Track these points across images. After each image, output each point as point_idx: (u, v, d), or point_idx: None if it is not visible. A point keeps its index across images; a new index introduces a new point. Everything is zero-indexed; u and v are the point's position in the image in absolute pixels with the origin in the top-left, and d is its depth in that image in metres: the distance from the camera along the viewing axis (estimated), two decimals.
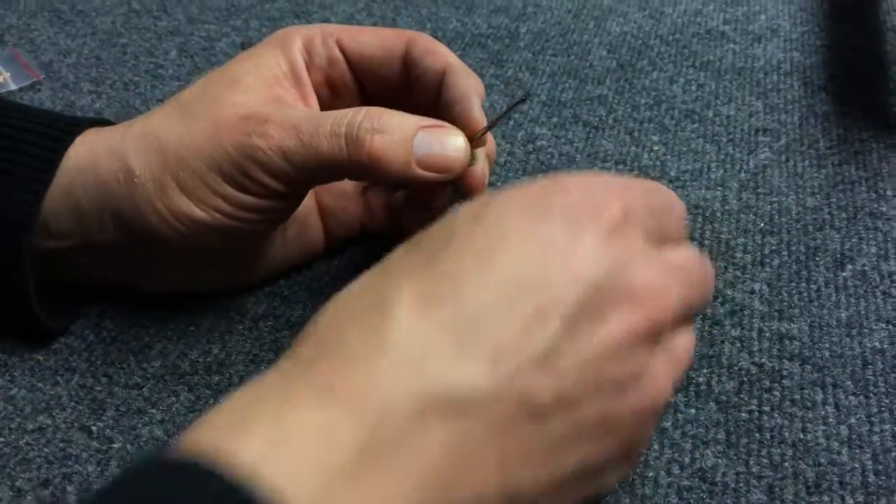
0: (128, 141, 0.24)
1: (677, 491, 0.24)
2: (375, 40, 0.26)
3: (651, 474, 0.24)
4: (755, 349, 0.27)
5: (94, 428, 0.25)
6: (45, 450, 0.24)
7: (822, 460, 0.24)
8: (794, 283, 0.29)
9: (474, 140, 0.25)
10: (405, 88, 0.27)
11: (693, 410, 0.25)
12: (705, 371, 0.27)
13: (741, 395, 0.26)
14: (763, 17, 0.44)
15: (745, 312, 0.28)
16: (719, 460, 0.24)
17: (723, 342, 0.27)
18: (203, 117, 0.24)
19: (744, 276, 0.29)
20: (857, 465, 0.24)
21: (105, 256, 0.26)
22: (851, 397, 0.26)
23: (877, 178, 0.33)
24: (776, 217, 0.32)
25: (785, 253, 0.30)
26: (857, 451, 0.24)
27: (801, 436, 0.25)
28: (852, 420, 0.25)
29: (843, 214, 0.32)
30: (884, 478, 0.24)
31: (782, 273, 0.30)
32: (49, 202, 0.24)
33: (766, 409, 0.25)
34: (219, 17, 0.44)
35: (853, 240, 0.31)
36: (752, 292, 0.29)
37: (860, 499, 0.23)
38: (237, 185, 0.24)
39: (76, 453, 0.24)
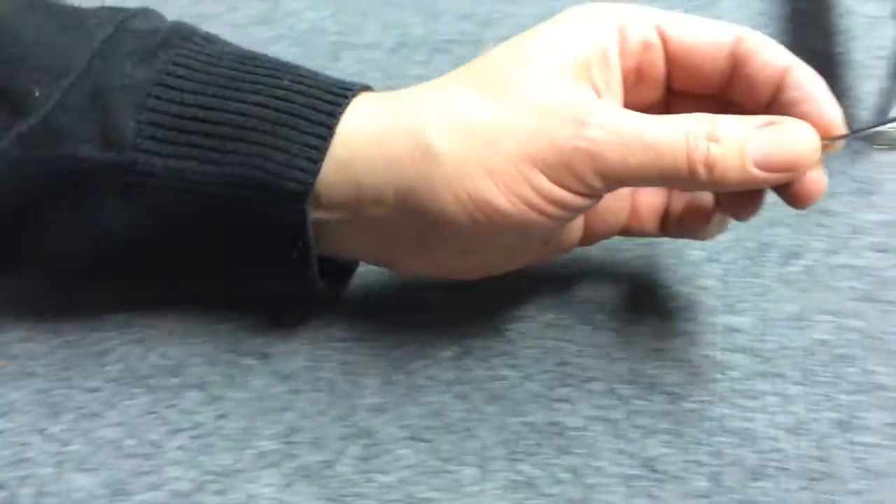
0: (425, 115, 0.23)
1: (623, 480, 0.24)
2: (703, 29, 0.24)
3: (598, 464, 0.25)
4: (704, 342, 0.28)
5: (50, 431, 0.25)
6: (1, 453, 0.25)
7: (765, 447, 0.25)
8: (744, 279, 0.30)
9: (828, 143, 0.23)
10: (722, 84, 0.24)
11: (642, 402, 0.26)
12: (656, 364, 0.27)
13: (689, 387, 0.26)
14: (725, 21, 0.44)
15: (696, 307, 0.29)
16: (665, 449, 0.25)
17: (673, 337, 0.28)
18: (518, 97, 0.22)
19: (696, 273, 0.30)
20: (799, 452, 0.25)
21: (370, 233, 0.25)
22: (795, 387, 0.26)
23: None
24: None
25: (737, 249, 0.31)
26: (800, 438, 0.25)
27: (745, 425, 0.25)
28: (795, 408, 0.26)
29: (794, 211, 0.33)
30: (825, 463, 0.24)
31: (733, 269, 0.30)
32: (325, 172, 0.23)
33: (713, 399, 0.26)
34: None
35: (803, 236, 0.32)
36: (704, 288, 0.30)
37: (802, 484, 0.24)
38: (555, 179, 0.22)
39: (32, 456, 0.24)
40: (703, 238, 0.28)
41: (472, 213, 0.23)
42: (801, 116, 0.23)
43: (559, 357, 0.27)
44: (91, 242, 0.25)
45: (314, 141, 0.23)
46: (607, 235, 0.28)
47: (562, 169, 0.22)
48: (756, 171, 0.22)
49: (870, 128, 0.23)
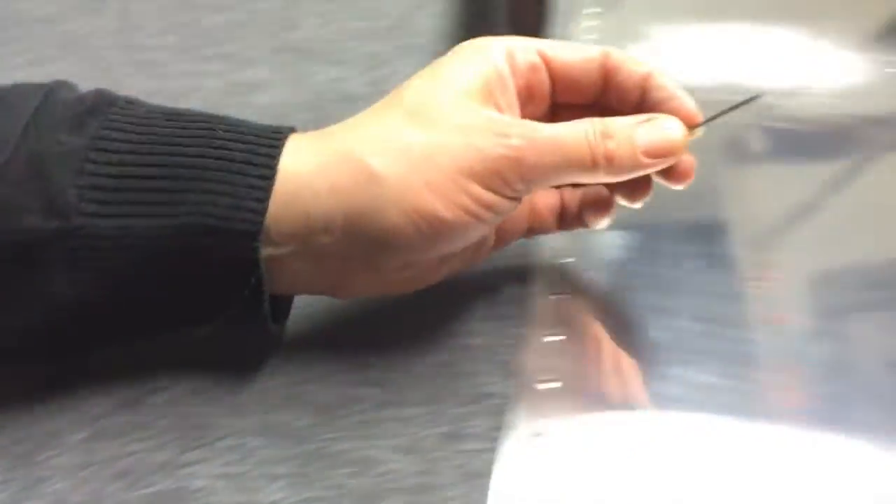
0: (363, 144, 0.26)
1: None
2: (573, 49, 0.28)
3: None
4: (340, 381, 0.30)
5: None
6: None
7: (381, 470, 0.27)
8: (382, 315, 0.32)
9: (692, 131, 0.28)
10: (597, 94, 0.29)
11: (269, 451, 0.27)
12: (288, 410, 0.28)
13: (318, 427, 0.28)
14: (395, 78, 0.48)
15: (335, 348, 0.31)
16: (285, 493, 0.26)
17: (307, 382, 0.29)
18: (443, 119, 0.26)
19: (340, 315, 0.32)
20: (410, 469, 0.27)
21: (317, 262, 0.27)
22: (415, 409, 0.29)
23: None
24: None
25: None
26: (412, 456, 0.27)
27: (366, 453, 0.27)
28: (411, 430, 0.28)
29: None
30: (430, 475, 0.26)
31: (370, 308, 0.32)
32: (272, 209, 0.25)
33: (338, 435, 0.28)
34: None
35: None
36: (348, 328, 0.32)
37: (408, 498, 0.26)
38: (487, 186, 0.26)
39: None
40: (594, 227, 0.31)
41: (418, 225, 0.26)
42: (668, 112, 0.28)
43: (193, 421, 0.28)
44: (38, 316, 0.25)
45: (258, 182, 0.25)
46: (515, 238, 0.32)
47: (492, 176, 0.26)
48: (644, 159, 0.27)
49: (719, 115, 0.28)
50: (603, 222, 0.31)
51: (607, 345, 0.31)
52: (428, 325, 0.32)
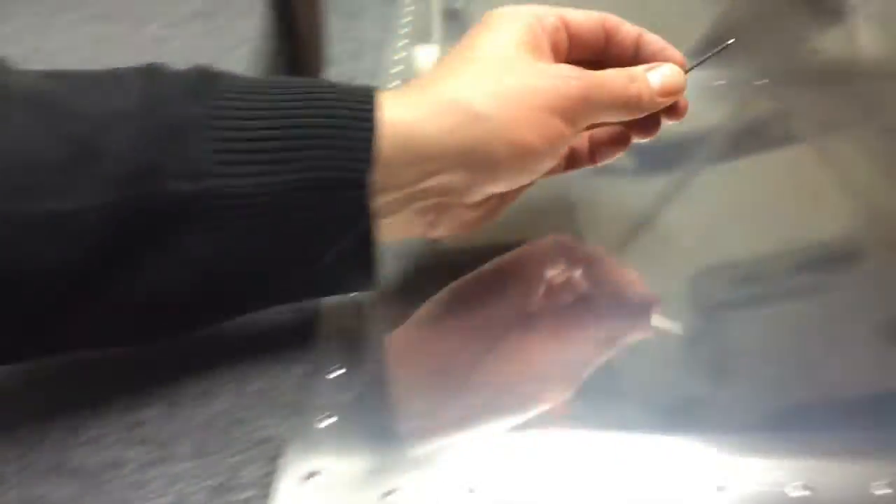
0: (462, 91, 0.29)
1: None
2: (582, 14, 0.33)
3: None
4: (108, 443, 0.29)
5: None
6: None
7: None
8: (158, 366, 0.31)
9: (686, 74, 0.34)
10: (601, 51, 0.34)
11: None
12: (53, 479, 0.27)
13: (81, 497, 0.27)
14: None
15: (104, 408, 0.30)
16: None
17: (73, 448, 0.28)
18: (518, 66, 0.30)
19: (107, 373, 0.31)
20: None
21: (422, 202, 0.30)
22: (185, 464, 0.28)
23: None
24: None
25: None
26: None
27: None
28: (178, 486, 0.27)
29: None
30: None
31: (144, 360, 0.31)
32: (385, 156, 0.28)
33: (101, 502, 0.27)
34: None
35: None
36: (118, 384, 0.30)
37: None
38: (564, 120, 0.30)
39: None
40: (604, 163, 0.36)
41: (517, 157, 0.30)
42: (662, 61, 0.34)
43: None
44: (177, 279, 0.27)
45: (367, 134, 0.28)
46: (531, 183, 0.34)
47: (568, 111, 0.30)
48: (659, 98, 0.33)
49: (701, 62, 0.35)
50: (618, 155, 0.36)
51: (387, 376, 0.31)
52: (209, 374, 0.31)
